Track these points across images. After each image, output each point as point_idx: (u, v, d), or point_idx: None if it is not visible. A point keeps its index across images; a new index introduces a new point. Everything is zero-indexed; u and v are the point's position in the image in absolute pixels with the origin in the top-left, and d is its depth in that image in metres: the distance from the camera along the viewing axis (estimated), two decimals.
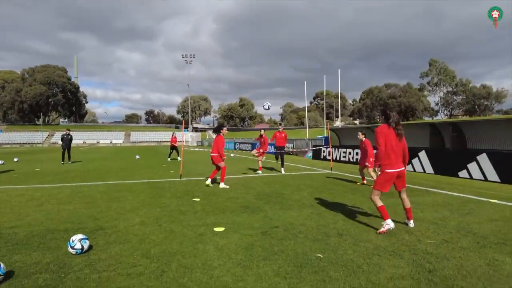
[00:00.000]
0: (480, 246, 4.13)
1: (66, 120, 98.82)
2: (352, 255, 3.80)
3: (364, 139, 9.53)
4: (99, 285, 3.08)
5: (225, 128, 9.23)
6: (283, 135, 13.10)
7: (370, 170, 9.30)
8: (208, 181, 9.05)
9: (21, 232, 4.80)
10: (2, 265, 3.23)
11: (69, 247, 3.88)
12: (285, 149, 14.39)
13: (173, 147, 20.18)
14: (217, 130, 9.23)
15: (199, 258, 3.74)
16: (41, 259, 3.73)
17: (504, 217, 5.55)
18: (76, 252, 3.86)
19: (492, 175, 10.05)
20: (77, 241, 3.88)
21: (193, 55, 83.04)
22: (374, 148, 6.00)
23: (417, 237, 4.50)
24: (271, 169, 14.04)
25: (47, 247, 4.13)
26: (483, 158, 10.41)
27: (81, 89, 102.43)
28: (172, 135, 20.46)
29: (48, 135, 72.58)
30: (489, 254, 3.83)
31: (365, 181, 9.46)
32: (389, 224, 4.64)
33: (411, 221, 5.01)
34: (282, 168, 12.68)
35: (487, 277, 3.24)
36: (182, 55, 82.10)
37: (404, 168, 4.89)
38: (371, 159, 9.21)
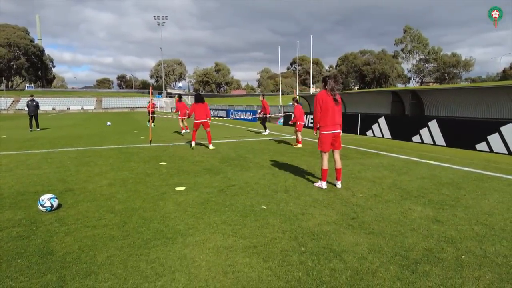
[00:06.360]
0: (402, 198, 4.89)
1: (32, 85, 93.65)
2: (292, 207, 4.45)
3: (296, 104, 11.21)
4: (68, 235, 3.55)
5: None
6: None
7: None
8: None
9: None
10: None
11: (39, 205, 4.28)
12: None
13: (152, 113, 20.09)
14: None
15: (158, 212, 4.26)
16: (13, 216, 4.13)
17: (433, 175, 6.38)
18: (46, 210, 4.27)
19: (440, 139, 11.04)
20: (47, 199, 4.28)
21: (166, 16, 79.71)
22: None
23: (353, 192, 5.21)
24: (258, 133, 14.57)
25: (18, 207, 4.51)
26: (433, 124, 11.33)
27: (46, 51, 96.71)
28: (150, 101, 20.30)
29: (13, 101, 68.99)
30: (406, 205, 4.58)
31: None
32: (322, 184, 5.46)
33: (339, 182, 5.52)
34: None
35: (397, 221, 3.97)
36: (154, 16, 78.70)
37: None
38: (298, 123, 10.95)
